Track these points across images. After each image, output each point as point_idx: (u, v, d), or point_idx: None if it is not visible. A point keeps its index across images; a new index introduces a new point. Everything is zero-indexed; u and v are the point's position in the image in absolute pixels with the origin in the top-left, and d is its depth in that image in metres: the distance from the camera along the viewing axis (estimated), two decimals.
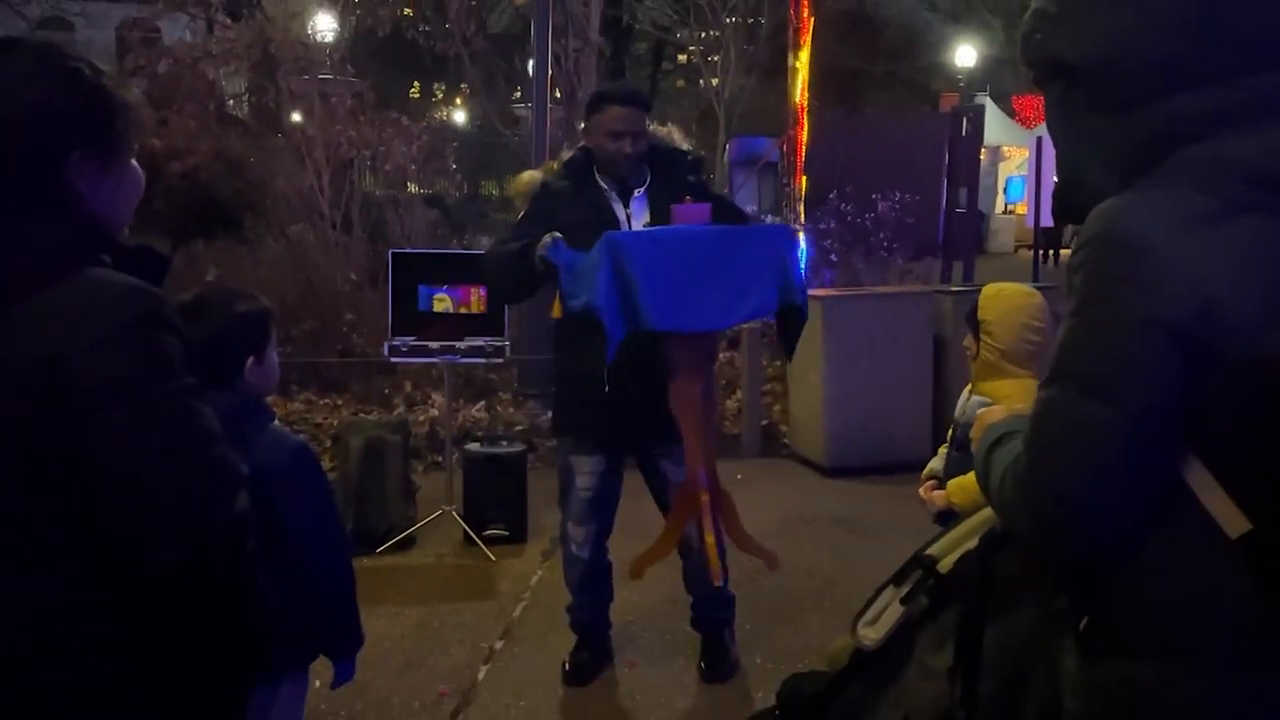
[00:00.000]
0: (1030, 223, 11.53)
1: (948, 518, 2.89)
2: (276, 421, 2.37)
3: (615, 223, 3.55)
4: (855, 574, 4.74)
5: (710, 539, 3.47)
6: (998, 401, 2.73)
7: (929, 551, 1.93)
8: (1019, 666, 1.59)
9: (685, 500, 3.49)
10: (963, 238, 12.16)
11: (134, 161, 1.58)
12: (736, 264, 3.24)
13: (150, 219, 8.99)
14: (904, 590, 1.92)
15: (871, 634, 1.94)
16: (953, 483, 2.92)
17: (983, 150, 13.77)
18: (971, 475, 2.78)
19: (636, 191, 3.64)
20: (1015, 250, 22.18)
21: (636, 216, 3.61)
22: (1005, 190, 25.41)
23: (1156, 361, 1.24)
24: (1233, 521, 1.24)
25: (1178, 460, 1.27)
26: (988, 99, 22.10)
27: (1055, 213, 1.55)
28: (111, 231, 1.51)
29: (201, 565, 1.39)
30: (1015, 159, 24.66)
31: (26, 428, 1.36)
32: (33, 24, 19.71)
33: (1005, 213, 24.85)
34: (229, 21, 10.16)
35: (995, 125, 21.45)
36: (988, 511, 1.80)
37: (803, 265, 3.90)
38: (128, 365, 1.37)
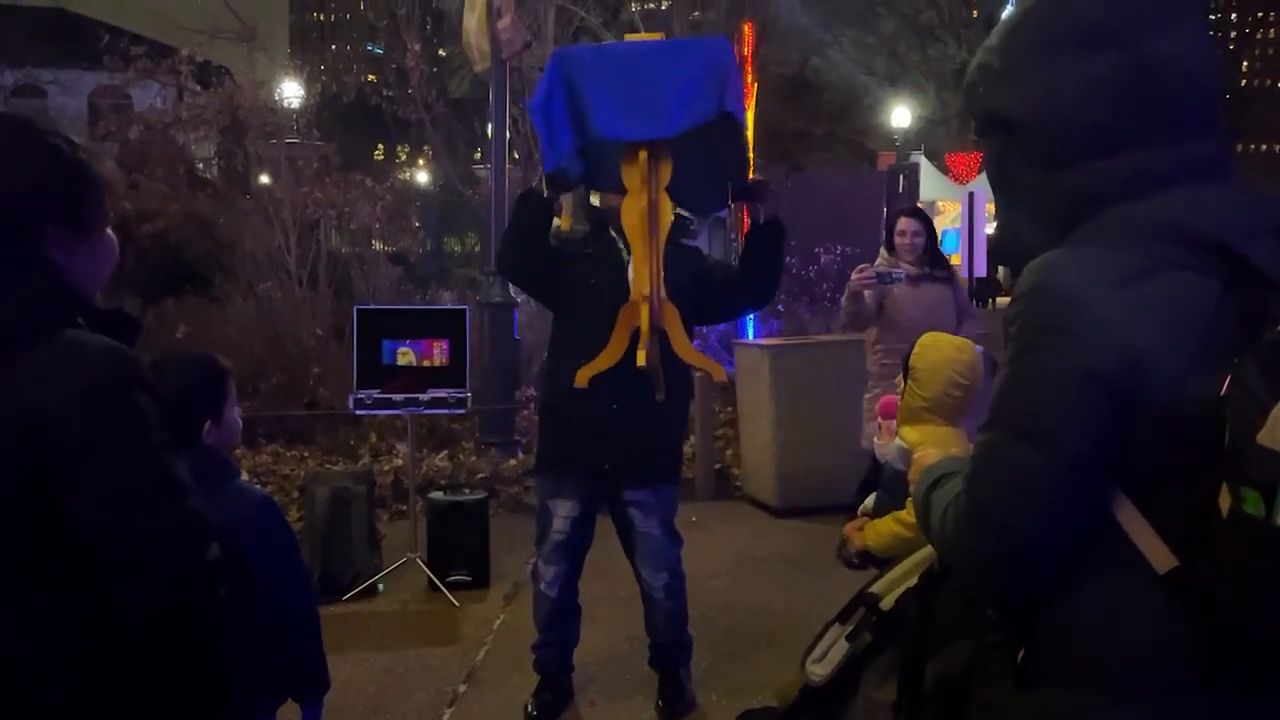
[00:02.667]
0: (964, 273, 12.06)
1: (868, 558, 3.01)
2: (243, 475, 2.47)
3: (621, 267, 3.71)
4: (805, 612, 4.92)
5: (643, 346, 3.34)
6: (918, 446, 2.84)
7: (872, 589, 2.02)
8: (958, 698, 1.61)
9: (630, 312, 3.39)
10: None
11: (109, 231, 1.64)
12: (679, 73, 3.20)
13: (122, 278, 9.19)
14: (849, 627, 2.02)
15: (819, 670, 2.03)
16: (868, 526, 3.02)
17: (919, 205, 14.37)
18: (885, 519, 3.00)
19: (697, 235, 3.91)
20: None
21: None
22: (941, 242, 26.23)
23: (1086, 408, 1.30)
24: (1161, 558, 1.28)
25: (1109, 499, 1.32)
26: (922, 157, 22.90)
27: (995, 257, 1.72)
28: (86, 297, 1.56)
29: (174, 611, 1.44)
30: (950, 213, 25.40)
31: (10, 481, 1.40)
32: (7, 91, 19.84)
33: None
34: (199, 89, 10.46)
35: (930, 181, 22.21)
36: (926, 550, 1.90)
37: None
38: (103, 422, 1.42)
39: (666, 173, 3.28)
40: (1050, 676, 1.37)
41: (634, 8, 16.39)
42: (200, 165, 11.96)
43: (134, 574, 1.42)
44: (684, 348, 3.46)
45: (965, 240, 12.08)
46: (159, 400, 1.51)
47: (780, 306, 10.86)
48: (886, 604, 1.97)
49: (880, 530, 2.97)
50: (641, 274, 3.34)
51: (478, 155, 15.16)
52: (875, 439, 3.26)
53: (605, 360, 3.47)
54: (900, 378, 3.13)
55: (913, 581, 1.91)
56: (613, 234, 3.84)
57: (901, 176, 13.20)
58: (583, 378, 3.39)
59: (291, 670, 2.42)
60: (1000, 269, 22.34)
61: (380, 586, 5.51)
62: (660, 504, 3.91)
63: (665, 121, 3.19)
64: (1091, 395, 1.29)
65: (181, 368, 2.36)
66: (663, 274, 3.32)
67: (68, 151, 1.56)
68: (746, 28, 11.16)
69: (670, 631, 4.03)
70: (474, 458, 7.68)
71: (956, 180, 25.60)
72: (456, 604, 5.32)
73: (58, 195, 1.53)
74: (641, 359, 3.31)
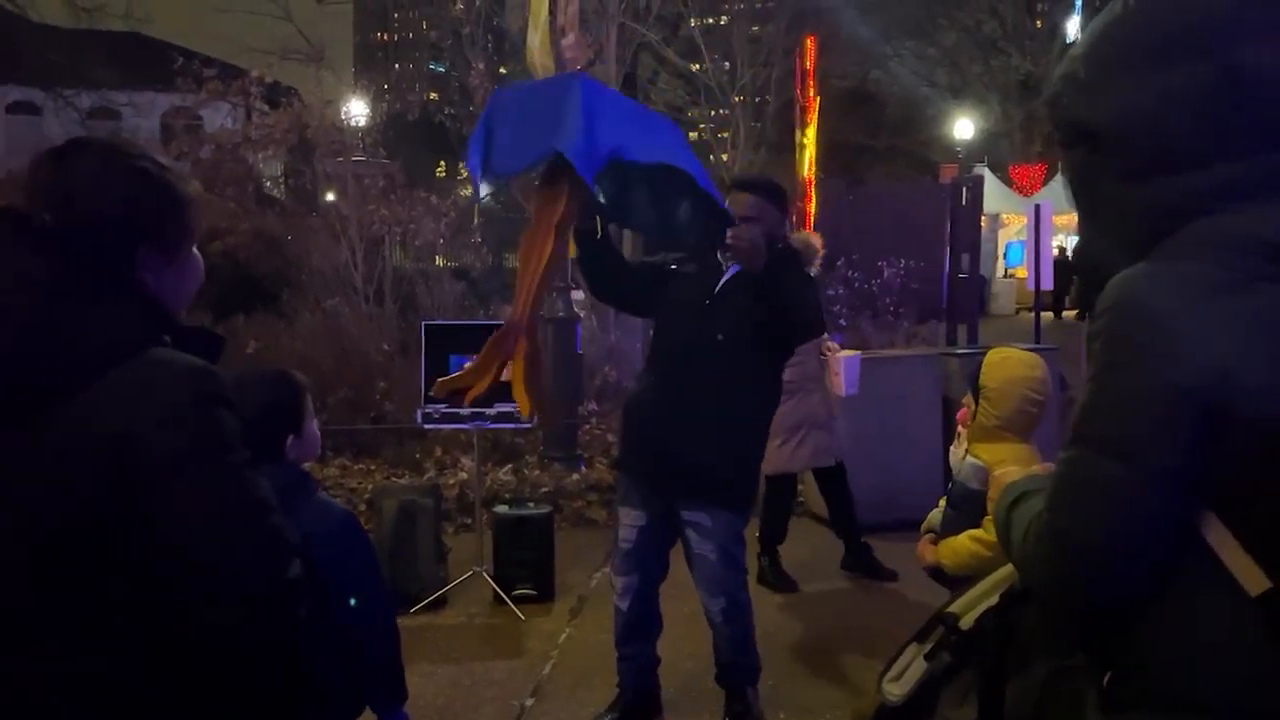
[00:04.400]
0: (1031, 285, 11.89)
1: (941, 574, 3.04)
2: (321, 491, 2.51)
3: (711, 290, 3.85)
4: (872, 629, 4.94)
5: (518, 385, 3.23)
6: (991, 465, 2.85)
7: (950, 609, 1.99)
8: (1038, 718, 1.61)
9: (502, 340, 3.31)
10: (966, 301, 12.53)
11: (195, 250, 1.67)
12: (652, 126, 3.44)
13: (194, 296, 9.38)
14: (927, 647, 1.98)
15: (896, 690, 2.01)
16: (943, 544, 3.01)
17: (983, 218, 14.22)
18: (962, 537, 3.00)
19: (730, 268, 3.85)
20: (1016, 312, 22.64)
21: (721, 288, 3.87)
22: (1005, 255, 25.97)
23: (1172, 424, 1.28)
24: (1252, 580, 1.26)
25: (1196, 518, 1.30)
26: (986, 169, 22.75)
27: (1074, 271, 1.68)
28: (173, 315, 1.58)
29: (257, 628, 1.46)
30: (1014, 225, 25.23)
31: (95, 498, 1.43)
32: (84, 114, 20.44)
33: (1006, 277, 25.39)
34: (267, 109, 10.69)
35: (994, 194, 22.06)
36: (1008, 569, 1.85)
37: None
38: (189, 440, 1.44)
39: (558, 208, 3.24)
40: (1137, 702, 1.35)
41: (693, 24, 16.44)
42: (269, 184, 12.21)
43: (218, 591, 1.44)
44: (535, 385, 3.35)
45: (1031, 253, 11.89)
46: (242, 418, 1.53)
47: (843, 321, 10.79)
48: (966, 623, 1.95)
49: (957, 548, 2.96)
50: (517, 301, 3.31)
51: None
52: (952, 448, 3.24)
53: (468, 379, 3.37)
54: (968, 396, 3.10)
55: (993, 601, 1.89)
56: (717, 257, 3.90)
57: (964, 189, 13.03)
58: (440, 389, 3.35)
59: (371, 681, 2.46)
60: (1075, 281, 21.98)
61: (447, 599, 5.55)
62: (718, 529, 3.82)
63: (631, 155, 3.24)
64: (1178, 411, 1.27)
65: (262, 384, 2.42)
66: (534, 306, 3.25)
67: (156, 173, 1.59)
68: (809, 41, 11.14)
69: (732, 653, 4.00)
70: (538, 472, 7.72)
71: (1020, 192, 25.44)
72: (522, 617, 5.36)
73: (148, 217, 1.57)
74: (518, 388, 3.23)
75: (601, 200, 3.47)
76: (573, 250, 3.86)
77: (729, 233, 3.43)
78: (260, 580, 1.45)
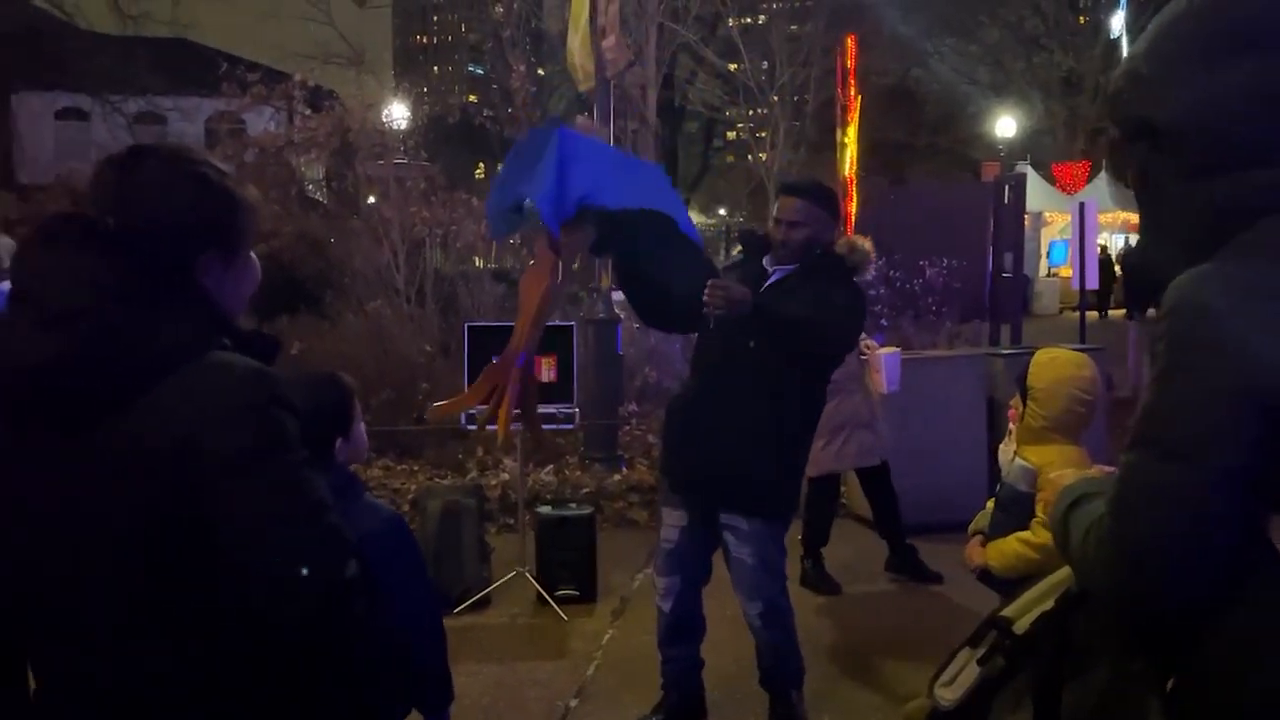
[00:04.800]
0: (1075, 285, 11.75)
1: (989, 576, 3.02)
2: (368, 493, 2.53)
3: (754, 290, 3.77)
4: (917, 631, 4.93)
5: (503, 413, 3.39)
6: (1040, 467, 2.86)
7: (1004, 613, 1.94)
8: None
9: (499, 370, 3.45)
10: (1009, 301, 12.41)
11: (252, 254, 1.69)
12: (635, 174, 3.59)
13: None
14: (980, 651, 1.94)
15: (948, 694, 1.97)
16: (991, 546, 3.00)
17: (1025, 216, 14.07)
18: (1010, 539, 2.97)
19: (774, 273, 3.88)
20: (1060, 311, 22.38)
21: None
22: (1048, 254, 25.70)
23: (1239, 427, 1.26)
24: None
25: (1263, 521, 1.29)
26: (1028, 167, 22.50)
27: (1136, 271, 1.65)
28: (232, 319, 1.61)
29: (316, 626, 1.47)
30: (1057, 224, 24.96)
31: (159, 499, 1.45)
32: (130, 119, 20.80)
33: (1049, 276, 25.12)
34: (309, 112, 10.80)
35: (1036, 192, 21.78)
36: (1063, 572, 1.82)
37: None
38: (251, 441, 1.46)
39: (552, 249, 3.35)
40: (1201, 709, 1.33)
41: (731, 23, 16.40)
42: (311, 186, 12.33)
43: (278, 590, 1.46)
44: (532, 418, 3.59)
45: (1076, 252, 11.76)
46: (298, 419, 1.55)
47: (884, 321, 10.72)
48: (1020, 627, 1.90)
49: (1004, 550, 2.94)
50: (520, 339, 3.38)
51: None
52: (1002, 447, 3.22)
53: (463, 402, 3.69)
54: (1016, 398, 3.07)
55: (1048, 605, 1.84)
56: (763, 262, 3.91)
57: (1007, 187, 12.90)
58: (434, 415, 3.38)
59: (417, 682, 2.47)
60: (1120, 280, 21.72)
61: (490, 599, 5.57)
62: (755, 534, 3.81)
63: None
64: (1244, 413, 1.25)
65: (311, 387, 2.42)
66: (530, 338, 3.35)
67: (216, 179, 1.60)
68: (850, 40, 11.07)
69: (773, 657, 3.99)
70: (579, 473, 7.75)
71: (1063, 190, 25.14)
72: (565, 618, 5.37)
73: (208, 222, 1.58)
74: (502, 418, 3.34)
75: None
76: (607, 280, 3.93)
77: (706, 289, 3.41)
78: (320, 579, 1.46)
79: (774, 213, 3.97)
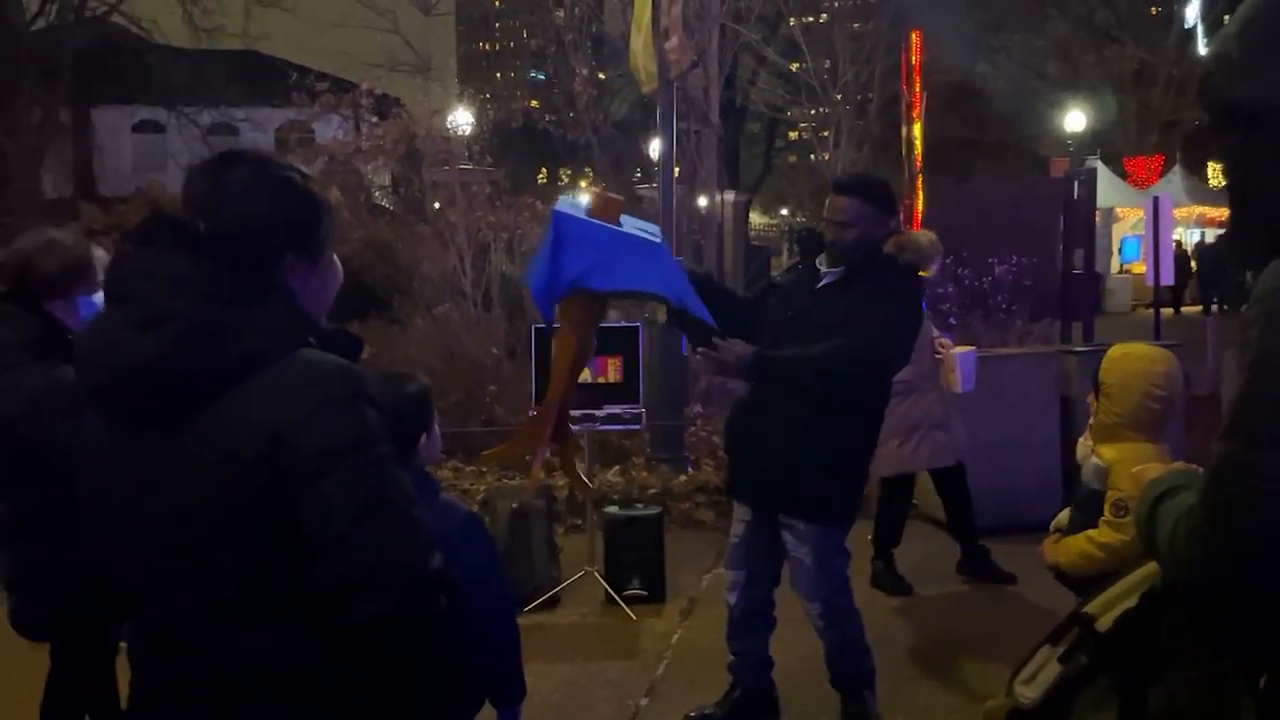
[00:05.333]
0: (1149, 281, 11.51)
1: (1065, 575, 2.99)
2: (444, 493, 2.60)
3: (796, 303, 3.86)
4: (991, 632, 4.86)
5: (538, 473, 3.86)
6: (1111, 464, 2.84)
7: (1087, 609, 1.92)
8: None
9: (535, 425, 3.53)
10: (1081, 299, 12.21)
11: (335, 256, 1.76)
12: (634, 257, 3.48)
13: None
14: (1061, 649, 1.93)
15: (1029, 693, 1.96)
16: (1060, 543, 2.98)
17: (1096, 212, 13.81)
18: (1078, 537, 2.93)
19: (825, 276, 3.86)
20: (1133, 309, 21.93)
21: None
22: (1120, 251, 25.17)
23: None
24: None
25: None
26: (1099, 162, 22.07)
27: (1230, 258, 1.59)
28: (316, 318, 1.67)
29: (403, 617, 1.50)
30: (1129, 219, 24.46)
31: (250, 493, 1.50)
32: (204, 130, 21.31)
33: (1121, 273, 24.60)
34: (376, 120, 10.96)
35: (1107, 187, 21.36)
36: (1147, 569, 1.81)
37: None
38: (338, 436, 1.50)
39: (572, 314, 3.43)
40: None
41: (793, 23, 16.32)
42: (379, 193, 12.50)
43: (363, 580, 1.49)
44: (570, 468, 3.70)
45: (1150, 247, 11.52)
46: (383, 415, 1.60)
47: (953, 319, 10.58)
48: (1103, 625, 1.87)
49: (1070, 548, 2.93)
50: (555, 395, 3.51)
51: (638, 174, 15.44)
52: (1081, 441, 3.18)
53: (507, 452, 3.82)
54: (1091, 395, 3.04)
55: (1131, 602, 1.83)
56: (816, 263, 3.92)
57: (1077, 183, 12.68)
58: (489, 459, 3.49)
59: (491, 678, 2.51)
60: (1193, 275, 21.24)
61: (559, 599, 5.62)
62: (811, 536, 3.81)
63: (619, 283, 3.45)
64: None
65: (393, 386, 2.46)
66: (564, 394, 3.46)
67: (301, 183, 1.67)
68: (914, 36, 10.96)
69: (838, 656, 3.98)
70: (645, 473, 7.76)
71: (1135, 185, 24.64)
72: (634, 617, 5.40)
73: (293, 225, 1.64)
74: (536, 473, 3.69)
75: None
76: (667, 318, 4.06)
77: (700, 354, 3.56)
78: (406, 572, 1.50)
79: (825, 212, 3.93)
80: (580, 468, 6.58)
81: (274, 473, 1.48)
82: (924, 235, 5.08)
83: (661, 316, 7.10)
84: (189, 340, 1.50)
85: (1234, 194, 1.45)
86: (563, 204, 4.01)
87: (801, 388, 3.67)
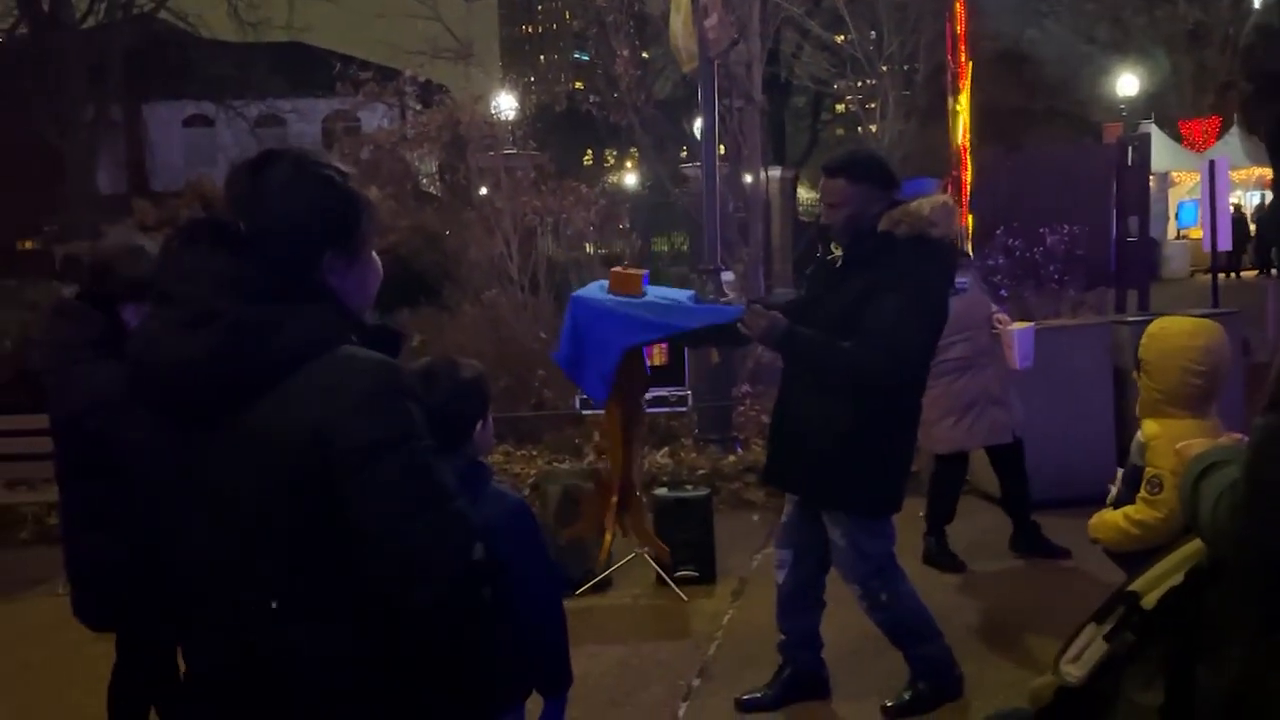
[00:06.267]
0: (1206, 247, 11.28)
1: (1108, 551, 3.00)
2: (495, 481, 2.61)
3: (825, 278, 3.89)
4: (1045, 609, 4.81)
5: (609, 536, 4.69)
6: (1149, 440, 2.81)
7: (1132, 587, 1.90)
8: (1235, 704, 1.54)
9: (602, 499, 4.73)
10: (1136, 266, 12.00)
11: (374, 253, 1.75)
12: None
13: None
14: (1107, 627, 1.91)
15: (1075, 671, 1.93)
16: (1098, 519, 2.97)
17: (1151, 177, 13.55)
18: (1115, 513, 2.90)
19: (833, 257, 3.87)
20: (1191, 274, 21.47)
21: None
22: (1177, 216, 24.63)
23: None
24: None
25: None
26: (1153, 126, 21.59)
27: (1271, 229, 1.55)
28: (358, 314, 1.68)
29: (445, 608, 1.53)
30: (1185, 184, 23.91)
31: (294, 488, 1.53)
32: (252, 123, 21.58)
33: (1178, 238, 24.08)
34: (421, 108, 11.03)
35: (1162, 151, 20.89)
36: (1193, 545, 1.79)
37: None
38: (378, 430, 1.52)
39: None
40: None
41: None
42: (425, 180, 12.58)
43: (407, 573, 1.51)
44: (642, 533, 4.89)
45: (1206, 212, 11.27)
46: (429, 407, 1.64)
47: (1004, 291, 10.44)
48: (1148, 602, 1.85)
49: (1107, 523, 2.93)
50: (616, 467, 4.69)
51: (684, 154, 15.38)
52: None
53: (582, 529, 5.01)
54: (1136, 371, 3.02)
55: (1178, 579, 1.80)
56: (833, 249, 3.89)
57: (1130, 148, 12.43)
58: (565, 535, 5.01)
59: (539, 665, 2.52)
60: (1252, 238, 20.76)
61: (611, 581, 5.65)
62: (842, 520, 3.81)
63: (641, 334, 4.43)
64: None
65: (452, 372, 2.48)
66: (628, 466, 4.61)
67: (340, 181, 1.67)
68: (959, 4, 10.78)
69: (891, 638, 3.99)
70: (694, 454, 7.77)
71: (1192, 148, 24.06)
72: (685, 599, 5.41)
73: (332, 223, 1.65)
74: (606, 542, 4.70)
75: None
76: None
77: (745, 314, 3.76)
78: (451, 560, 1.52)
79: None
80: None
81: (316, 469, 1.51)
82: (925, 202, 4.96)
83: (715, 359, 7.47)
84: (232, 339, 1.53)
85: (1276, 163, 1.44)
86: (585, 290, 4.67)
87: (835, 385, 3.67)
